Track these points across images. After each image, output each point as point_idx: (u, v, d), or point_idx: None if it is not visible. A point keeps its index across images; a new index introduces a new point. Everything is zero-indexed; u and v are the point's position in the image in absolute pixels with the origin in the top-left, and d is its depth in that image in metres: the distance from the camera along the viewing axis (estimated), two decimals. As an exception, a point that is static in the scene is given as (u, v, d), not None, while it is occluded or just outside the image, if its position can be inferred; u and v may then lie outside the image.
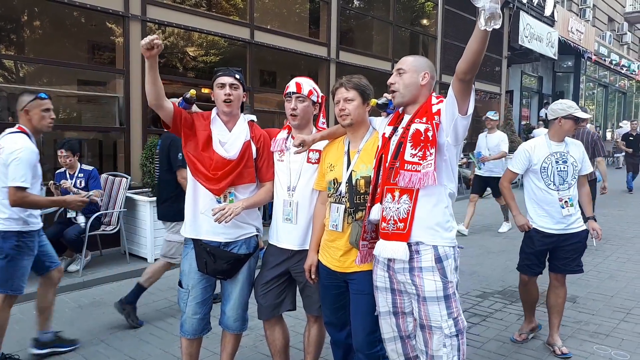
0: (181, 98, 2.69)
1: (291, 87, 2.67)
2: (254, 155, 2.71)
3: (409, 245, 2.16)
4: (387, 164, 2.26)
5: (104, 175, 5.88)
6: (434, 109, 2.21)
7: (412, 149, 2.16)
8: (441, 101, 2.23)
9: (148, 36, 2.32)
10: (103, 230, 5.48)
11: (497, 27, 1.79)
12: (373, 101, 2.47)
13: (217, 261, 2.63)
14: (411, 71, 2.27)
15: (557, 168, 3.48)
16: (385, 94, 2.47)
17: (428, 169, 2.11)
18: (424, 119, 2.19)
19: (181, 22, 6.96)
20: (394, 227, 2.18)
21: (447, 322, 2.15)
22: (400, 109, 2.38)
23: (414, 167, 2.14)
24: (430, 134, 2.14)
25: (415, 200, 2.16)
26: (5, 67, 6.91)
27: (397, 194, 2.19)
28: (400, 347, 2.34)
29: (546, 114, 3.69)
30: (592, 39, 20.63)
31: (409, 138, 2.19)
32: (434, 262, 2.15)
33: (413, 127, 2.20)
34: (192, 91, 2.67)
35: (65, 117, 7.77)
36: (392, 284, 2.28)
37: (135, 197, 5.74)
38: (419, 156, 2.14)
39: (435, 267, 2.15)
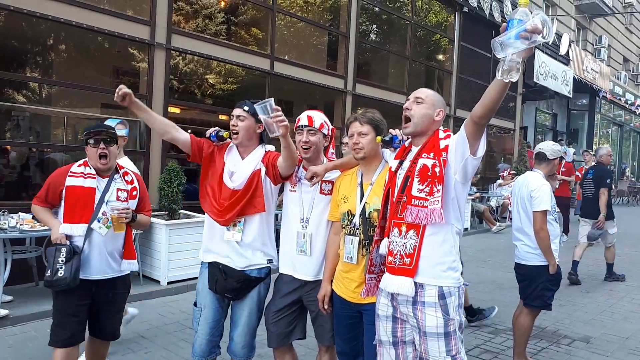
0: (215, 131, 2.78)
1: (303, 120, 2.72)
2: (263, 174, 2.70)
3: (414, 282, 2.17)
4: (394, 198, 2.27)
5: (121, 197, 5.98)
6: (442, 144, 2.20)
7: (419, 184, 2.17)
8: (448, 136, 2.24)
9: (117, 89, 2.49)
10: (118, 252, 5.55)
11: (514, 80, 1.82)
12: (378, 138, 2.48)
13: (227, 279, 2.67)
14: (429, 104, 2.29)
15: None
16: (391, 130, 2.50)
17: (435, 206, 2.10)
18: (432, 154, 2.19)
19: (204, 52, 7.17)
20: (400, 262, 2.19)
21: (445, 359, 2.14)
22: (407, 142, 2.40)
23: (421, 203, 2.14)
24: (437, 169, 2.14)
25: (422, 236, 2.16)
26: (30, 89, 7.14)
27: (404, 228, 2.20)
28: None
29: (540, 152, 3.88)
30: (607, 79, 20.72)
31: (416, 173, 2.19)
32: (437, 298, 2.15)
33: (420, 162, 2.20)
34: (227, 133, 2.77)
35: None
36: (394, 312, 2.28)
37: (152, 219, 5.81)
38: (426, 192, 2.14)
39: (438, 303, 2.15)
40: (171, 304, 5.20)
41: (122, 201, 2.90)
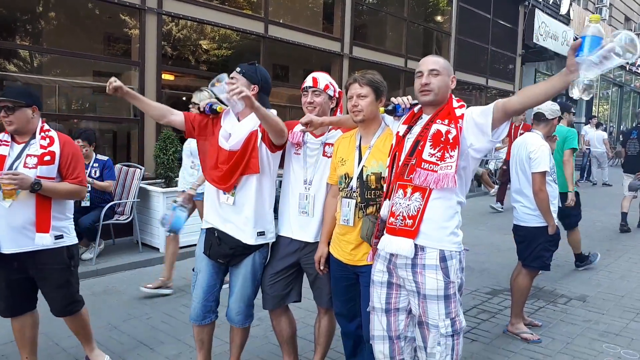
0: (208, 105, 2.72)
1: (308, 81, 2.72)
2: (259, 138, 2.63)
3: (415, 245, 2.17)
4: (400, 162, 2.26)
5: (118, 166, 5.95)
6: (458, 112, 2.20)
7: (431, 149, 2.16)
8: (462, 106, 2.24)
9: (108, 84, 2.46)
10: (116, 220, 5.56)
11: (588, 98, 1.85)
12: (381, 109, 2.46)
13: (221, 244, 2.67)
14: (444, 74, 2.27)
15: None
16: (393, 99, 2.46)
17: (448, 171, 2.10)
18: (446, 121, 2.19)
19: (197, 16, 7.00)
20: (401, 223, 2.19)
21: (444, 321, 2.15)
22: (416, 108, 2.38)
23: (431, 167, 2.14)
24: (451, 136, 2.14)
25: (427, 199, 2.15)
26: (21, 57, 7.00)
27: (409, 190, 2.19)
28: (387, 348, 2.31)
29: (539, 113, 3.84)
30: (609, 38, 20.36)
31: (429, 137, 2.19)
32: (438, 261, 2.15)
33: (434, 127, 2.20)
34: (221, 107, 2.71)
35: (80, 107, 7.87)
36: (390, 278, 2.28)
37: (149, 187, 5.80)
38: (437, 157, 2.14)
39: (439, 265, 2.15)
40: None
41: (30, 168, 2.67)
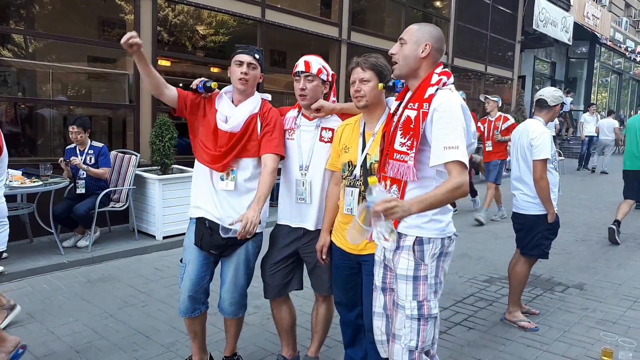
0: (202, 82, 2.62)
1: (300, 66, 2.62)
2: (259, 130, 2.61)
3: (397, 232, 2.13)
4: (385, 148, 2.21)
5: (113, 152, 5.88)
6: (427, 92, 2.04)
7: (401, 138, 2.07)
8: (439, 82, 2.07)
9: (126, 34, 2.28)
10: (112, 207, 5.51)
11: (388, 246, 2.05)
12: (380, 85, 2.38)
13: (213, 235, 2.60)
14: (411, 42, 2.11)
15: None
16: (392, 75, 2.41)
17: (410, 163, 2.03)
18: (416, 105, 2.05)
19: (192, 0, 6.89)
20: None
21: (410, 302, 2.10)
22: (407, 83, 2.28)
23: (402, 157, 2.06)
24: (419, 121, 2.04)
25: (403, 192, 2.10)
26: (15, 43, 6.89)
27: (388, 183, 2.14)
28: (384, 325, 2.31)
29: (541, 99, 3.78)
30: (608, 25, 20.27)
31: (399, 125, 2.10)
32: (413, 244, 2.11)
33: (405, 113, 2.09)
34: (215, 83, 2.63)
35: (75, 93, 7.77)
36: (385, 260, 2.27)
37: (145, 174, 5.75)
38: (408, 146, 2.05)
39: (413, 248, 2.11)
40: (167, 258, 5.21)
41: None
